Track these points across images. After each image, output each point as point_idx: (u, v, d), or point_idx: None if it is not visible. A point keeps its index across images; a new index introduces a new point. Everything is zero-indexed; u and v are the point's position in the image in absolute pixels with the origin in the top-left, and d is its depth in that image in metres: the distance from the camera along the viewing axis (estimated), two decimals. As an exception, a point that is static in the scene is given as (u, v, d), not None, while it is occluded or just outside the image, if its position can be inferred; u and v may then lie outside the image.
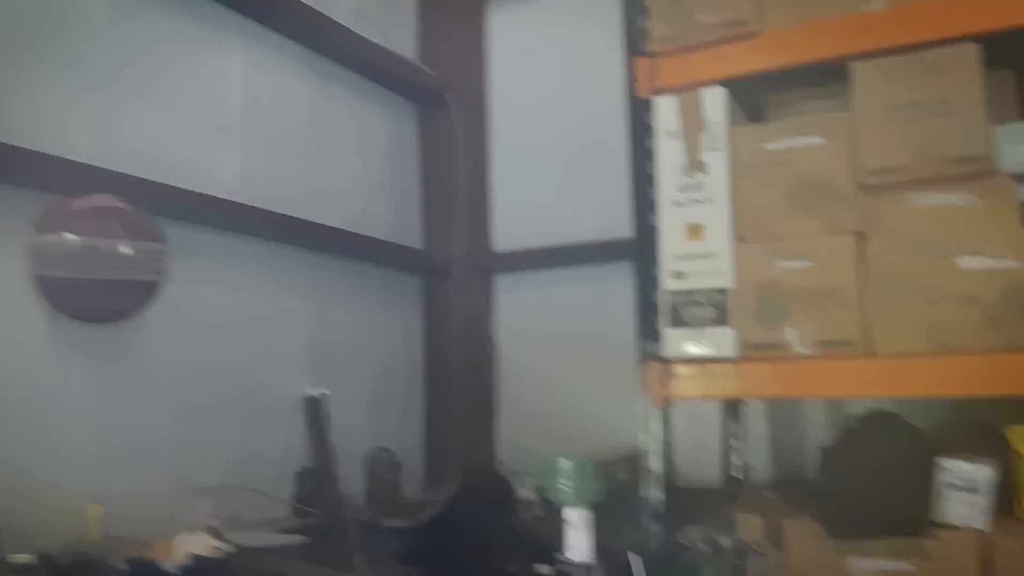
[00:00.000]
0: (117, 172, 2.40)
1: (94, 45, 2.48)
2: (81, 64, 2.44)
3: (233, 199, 2.76)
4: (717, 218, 2.32)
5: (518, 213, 3.71)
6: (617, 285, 3.21)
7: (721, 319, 2.29)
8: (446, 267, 3.64)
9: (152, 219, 2.41)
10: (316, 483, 2.94)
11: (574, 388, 3.32)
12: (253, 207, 2.82)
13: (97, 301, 2.31)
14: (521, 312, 3.65)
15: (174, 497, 2.50)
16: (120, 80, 2.54)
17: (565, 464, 2.31)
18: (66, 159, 2.31)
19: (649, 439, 2.36)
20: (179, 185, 2.58)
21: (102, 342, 2.41)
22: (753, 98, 2.48)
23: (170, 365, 2.59)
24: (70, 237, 2.25)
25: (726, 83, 2.37)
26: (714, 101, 2.35)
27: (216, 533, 2.31)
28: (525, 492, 3.08)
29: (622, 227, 3.12)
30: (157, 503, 2.43)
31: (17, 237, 2.22)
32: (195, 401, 2.65)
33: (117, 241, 2.32)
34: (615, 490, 2.34)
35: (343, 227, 3.21)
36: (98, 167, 2.37)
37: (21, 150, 2.19)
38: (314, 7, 3.10)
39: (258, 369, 2.91)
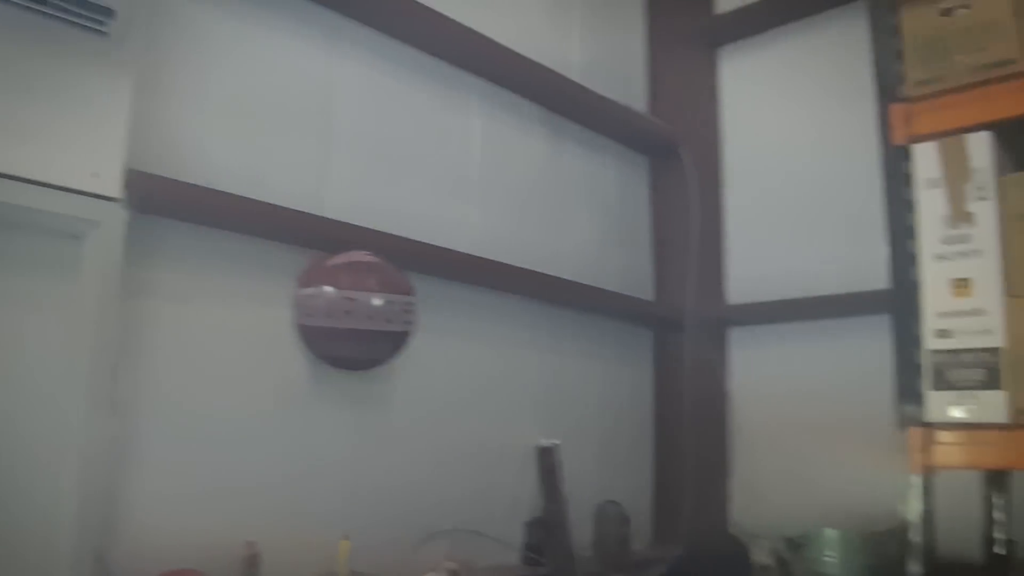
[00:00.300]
0: (371, 229, 2.56)
1: (348, 116, 2.67)
2: (338, 134, 2.64)
3: (474, 253, 2.86)
4: (987, 273, 2.12)
5: (753, 264, 3.58)
6: (866, 341, 3.02)
7: (992, 382, 2.09)
8: (677, 319, 3.58)
9: (402, 272, 2.55)
10: (546, 533, 2.94)
11: (816, 449, 3.14)
12: (492, 260, 2.91)
13: (352, 349, 2.45)
14: (757, 366, 3.50)
15: (414, 538, 2.59)
16: (371, 145, 2.72)
17: (831, 535, 2.17)
18: (326, 218, 2.50)
19: (909, 510, 2.18)
20: (425, 240, 2.71)
21: (356, 388, 2.55)
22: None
23: (415, 411, 2.70)
24: (329, 290, 2.42)
25: (992, 127, 2.19)
26: (980, 147, 2.17)
27: (456, 576, 2.38)
28: (760, 556, 2.95)
29: (869, 280, 2.95)
30: (399, 543, 2.54)
31: (283, 289, 2.42)
32: (435, 446, 2.75)
33: (371, 294, 2.46)
34: (878, 564, 2.18)
35: (575, 279, 3.24)
36: (354, 225, 2.53)
37: (287, 210, 2.38)
38: (549, 66, 3.19)
39: (493, 417, 2.98)
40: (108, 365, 1.95)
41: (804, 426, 3.21)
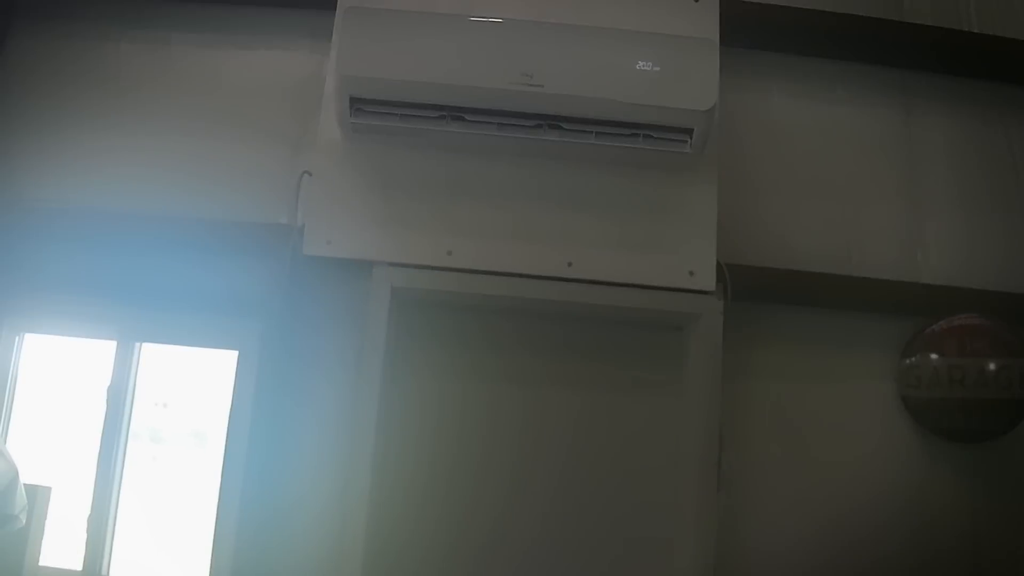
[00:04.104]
0: (974, 289, 2.41)
1: (932, 171, 2.56)
2: (925, 192, 2.54)
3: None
4: None
5: None
6: None
7: None
8: None
9: (1017, 333, 2.33)
10: None
11: None
12: None
13: (965, 420, 2.31)
14: None
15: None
16: (963, 197, 2.55)
17: None
18: (922, 283, 2.43)
19: None
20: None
21: (974, 461, 2.36)
22: None
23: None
24: (934, 358, 2.33)
25: None
26: None
27: None
28: None
29: None
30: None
31: (883, 361, 2.39)
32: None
33: (983, 359, 2.30)
34: None
35: None
36: (954, 287, 2.41)
37: (879, 281, 2.39)
38: None
39: None
40: (713, 440, 2.16)
41: None
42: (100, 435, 2.28)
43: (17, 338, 2.37)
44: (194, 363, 2.42)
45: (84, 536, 2.23)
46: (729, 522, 2.18)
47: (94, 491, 2.25)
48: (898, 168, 2.54)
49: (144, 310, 2.27)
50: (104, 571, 2.23)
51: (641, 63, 2.06)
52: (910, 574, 2.27)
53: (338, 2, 2.21)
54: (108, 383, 2.31)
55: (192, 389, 2.44)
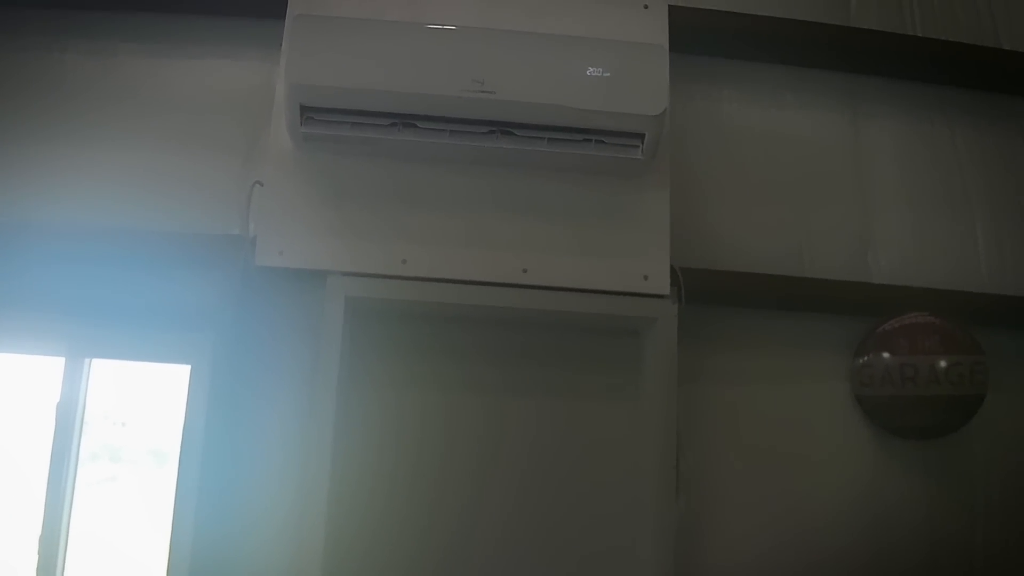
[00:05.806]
0: (922, 288, 2.45)
1: (881, 172, 2.60)
2: (874, 192, 2.57)
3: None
4: None
5: None
6: None
7: None
8: None
9: (967, 330, 2.37)
10: None
11: None
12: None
13: (917, 417, 2.34)
14: None
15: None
16: (912, 197, 2.59)
17: None
18: (873, 283, 2.47)
19: None
20: (992, 291, 2.51)
21: (928, 458, 2.40)
22: None
23: (1002, 482, 2.43)
24: (886, 357, 2.37)
25: None
26: None
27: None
28: None
29: None
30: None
31: (837, 361, 2.43)
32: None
33: (933, 356, 2.34)
34: None
35: None
36: (903, 286, 2.45)
37: (831, 282, 2.42)
38: None
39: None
40: (671, 444, 2.16)
41: None
42: (50, 454, 2.23)
43: (-39, 357, 2.32)
44: (153, 380, 2.38)
45: (35, 558, 2.17)
46: (687, 525, 2.19)
47: (45, 511, 2.20)
48: (847, 170, 2.58)
49: (93, 325, 2.22)
50: (56, 592, 2.18)
51: (592, 69, 2.07)
52: (867, 568, 2.29)
53: (287, 10, 2.18)
54: (57, 400, 2.26)
55: (152, 407, 2.40)
